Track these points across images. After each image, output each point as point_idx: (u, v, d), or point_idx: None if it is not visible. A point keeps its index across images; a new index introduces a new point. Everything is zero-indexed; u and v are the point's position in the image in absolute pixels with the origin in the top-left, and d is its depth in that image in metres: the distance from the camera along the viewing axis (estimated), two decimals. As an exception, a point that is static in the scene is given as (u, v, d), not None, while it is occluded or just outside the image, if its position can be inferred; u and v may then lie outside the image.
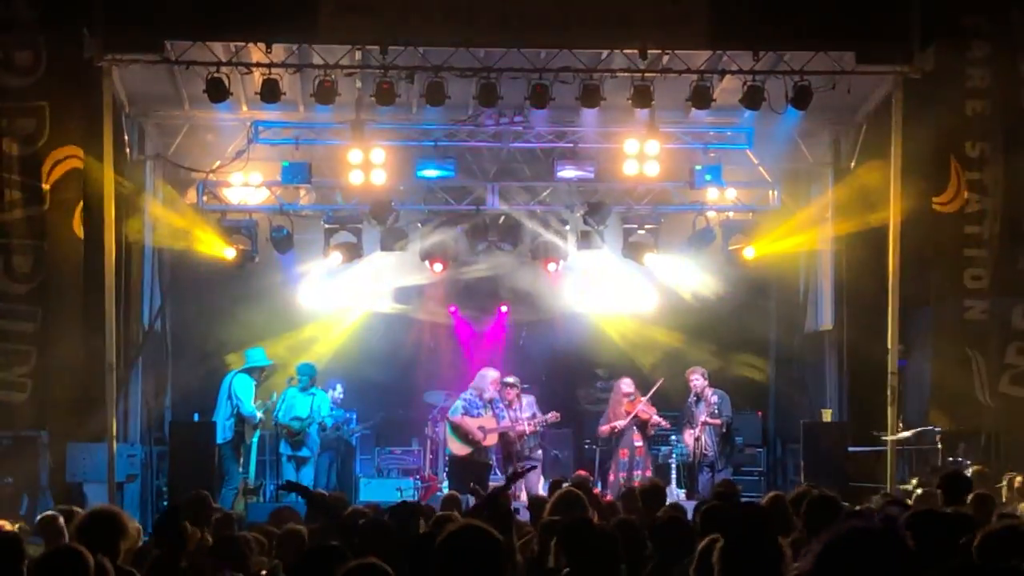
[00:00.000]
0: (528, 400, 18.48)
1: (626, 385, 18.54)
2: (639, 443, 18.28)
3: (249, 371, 18.19)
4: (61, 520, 9.65)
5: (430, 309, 21.98)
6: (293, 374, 18.65)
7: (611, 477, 18.52)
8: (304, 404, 18.35)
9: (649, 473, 17.72)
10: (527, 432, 18.08)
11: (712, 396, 17.99)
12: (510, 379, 18.56)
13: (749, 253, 19.76)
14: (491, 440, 18.12)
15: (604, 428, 18.67)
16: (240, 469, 18.03)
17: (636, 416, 18.13)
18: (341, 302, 21.02)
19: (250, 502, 17.58)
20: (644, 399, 18.33)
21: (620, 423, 18.28)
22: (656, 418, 18.29)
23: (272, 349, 19.10)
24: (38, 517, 10.25)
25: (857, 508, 10.37)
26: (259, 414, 18.03)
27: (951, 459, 16.68)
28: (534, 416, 18.20)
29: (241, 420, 17.89)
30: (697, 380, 18.12)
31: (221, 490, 17.38)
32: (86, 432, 15.86)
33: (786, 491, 17.50)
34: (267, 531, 9.73)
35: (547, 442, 18.99)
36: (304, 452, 18.39)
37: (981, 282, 15.28)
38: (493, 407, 18.19)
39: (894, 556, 3.94)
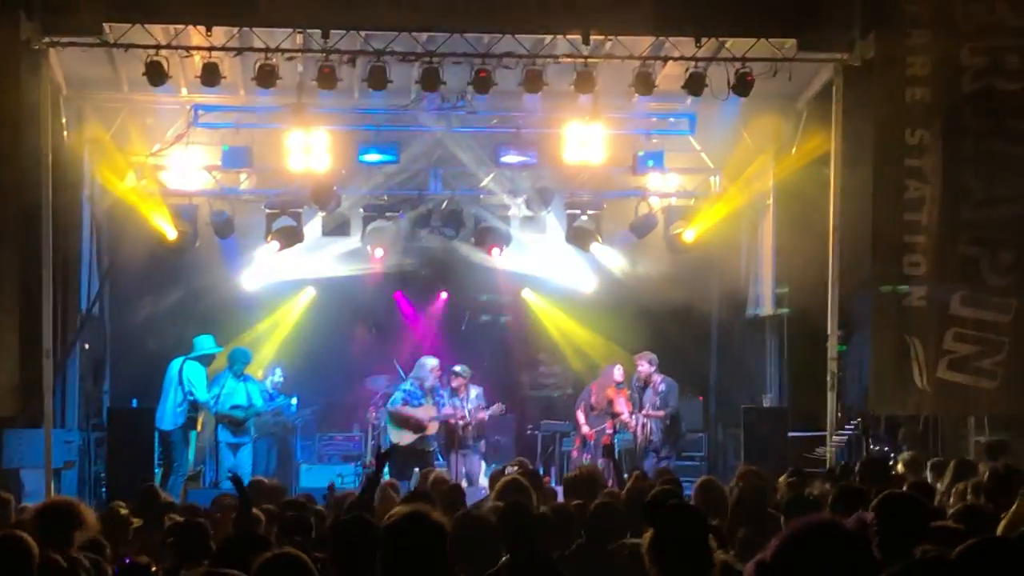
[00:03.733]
0: (477, 391, 18.40)
1: (618, 373, 18.44)
2: (609, 431, 18.17)
3: (199, 358, 18.04)
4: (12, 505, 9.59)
5: (372, 295, 21.93)
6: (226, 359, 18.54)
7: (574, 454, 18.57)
8: (240, 392, 18.23)
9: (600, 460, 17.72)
10: (471, 423, 18.04)
11: (660, 384, 17.94)
12: (458, 368, 18.50)
13: (689, 236, 19.86)
14: (432, 428, 18.09)
15: (587, 432, 18.60)
16: (188, 456, 17.96)
17: (613, 408, 18.07)
18: (282, 286, 20.96)
19: (190, 489, 17.47)
20: (627, 393, 18.27)
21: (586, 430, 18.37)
22: (627, 417, 18.10)
23: (212, 334, 18.98)
24: None
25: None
26: (212, 400, 17.94)
27: (876, 447, 16.92)
28: (480, 407, 18.14)
29: (195, 407, 17.79)
30: (643, 366, 18.08)
31: (170, 477, 17.30)
32: (23, 418, 15.69)
33: (727, 476, 17.77)
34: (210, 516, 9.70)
35: (489, 427, 18.94)
36: (244, 438, 18.30)
37: (919, 268, 15.35)
38: (434, 395, 18.18)
39: (855, 556, 3.90)
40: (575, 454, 18.65)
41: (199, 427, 18.12)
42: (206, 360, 18.12)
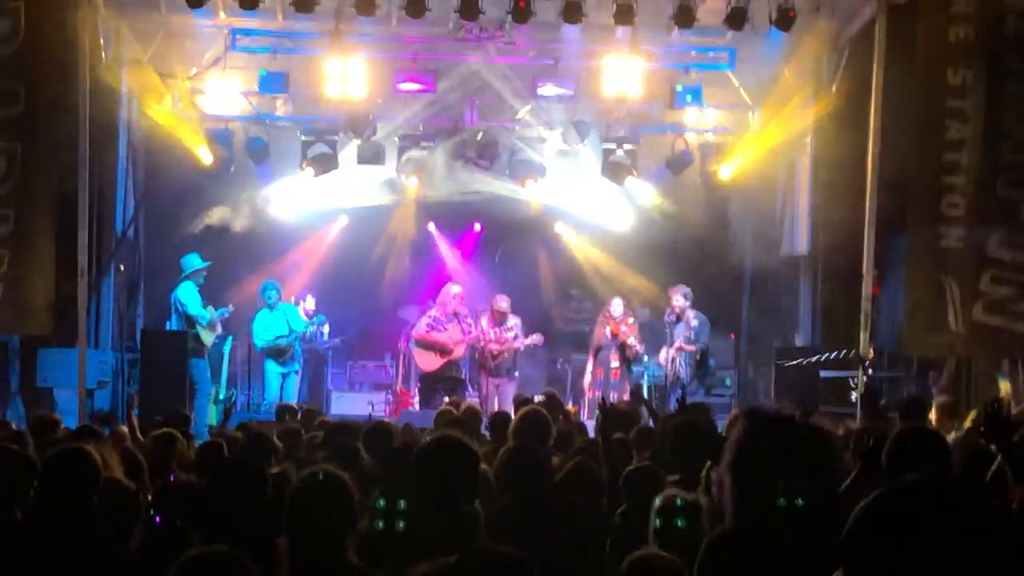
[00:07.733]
0: (515, 321, 18.37)
1: (615, 307, 18.41)
2: (615, 364, 18.19)
3: (189, 276, 17.97)
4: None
5: (406, 224, 21.94)
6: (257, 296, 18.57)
7: (587, 394, 18.53)
8: (279, 321, 18.29)
9: (626, 396, 17.66)
10: (504, 352, 17.99)
11: (692, 320, 17.73)
12: (504, 304, 18.35)
13: (725, 173, 19.75)
14: (460, 352, 18.11)
15: (588, 381, 18.58)
16: (208, 378, 17.98)
17: (616, 336, 18.05)
18: (316, 214, 20.97)
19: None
20: (630, 321, 18.25)
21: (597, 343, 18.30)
22: (632, 341, 18.12)
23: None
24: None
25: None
26: (209, 314, 17.83)
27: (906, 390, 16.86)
28: (516, 337, 18.11)
29: (191, 322, 17.72)
30: (678, 300, 17.84)
31: (194, 399, 17.37)
32: (57, 338, 15.77)
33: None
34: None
35: (520, 359, 18.95)
36: (292, 366, 18.40)
37: (958, 209, 15.20)
38: (459, 320, 18.16)
39: (806, 434, 3.83)
40: (588, 392, 18.60)
41: (205, 342, 17.95)
42: (197, 277, 17.98)
